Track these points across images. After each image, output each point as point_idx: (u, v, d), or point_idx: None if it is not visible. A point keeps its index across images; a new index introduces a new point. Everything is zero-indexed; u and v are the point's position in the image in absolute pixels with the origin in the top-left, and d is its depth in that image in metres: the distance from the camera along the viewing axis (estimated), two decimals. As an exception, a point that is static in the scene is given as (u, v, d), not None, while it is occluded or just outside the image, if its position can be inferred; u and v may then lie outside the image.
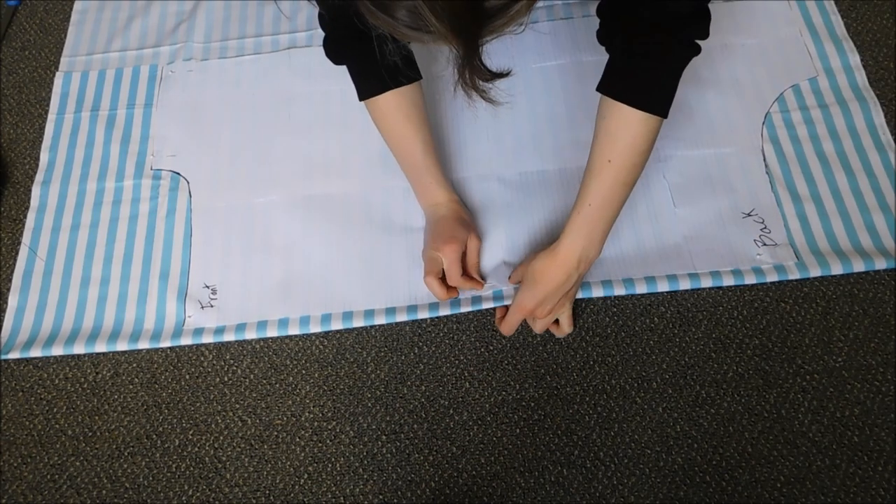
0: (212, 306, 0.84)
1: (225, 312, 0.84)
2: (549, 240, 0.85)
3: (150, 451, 0.78)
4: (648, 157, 0.71)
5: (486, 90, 0.55)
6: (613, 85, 0.68)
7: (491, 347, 0.81)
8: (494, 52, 0.98)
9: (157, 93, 1.00)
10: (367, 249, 0.86)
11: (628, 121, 0.67)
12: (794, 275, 0.81)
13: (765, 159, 0.88)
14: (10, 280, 0.88)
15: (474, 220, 0.86)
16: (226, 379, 0.82)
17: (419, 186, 0.84)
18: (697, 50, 0.67)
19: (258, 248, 0.88)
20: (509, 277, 0.83)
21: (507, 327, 0.78)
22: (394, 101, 0.78)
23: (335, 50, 0.76)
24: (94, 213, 0.91)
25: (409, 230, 0.87)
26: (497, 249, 0.85)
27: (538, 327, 0.78)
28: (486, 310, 0.82)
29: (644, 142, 0.69)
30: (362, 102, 0.79)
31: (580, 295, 0.82)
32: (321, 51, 0.99)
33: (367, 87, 0.78)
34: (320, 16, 0.73)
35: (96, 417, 0.80)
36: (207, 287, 0.86)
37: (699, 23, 0.66)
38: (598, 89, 0.70)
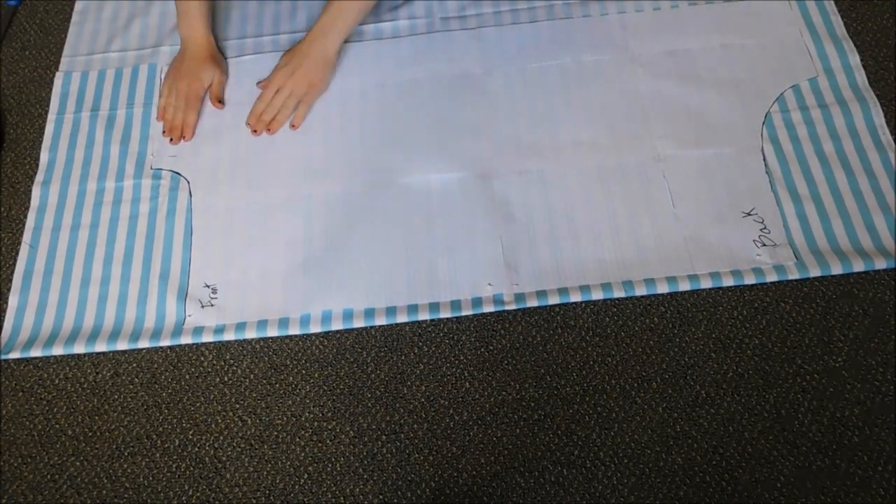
0: (212, 305, 0.84)
1: (225, 312, 0.84)
2: (549, 239, 0.85)
3: (150, 451, 0.79)
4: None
5: None
6: None
7: (491, 347, 0.81)
8: (494, 52, 0.99)
9: (157, 91, 0.99)
10: (368, 249, 0.86)
11: None
12: (794, 275, 0.81)
13: (765, 159, 0.89)
14: (10, 280, 0.88)
15: (224, 62, 1.00)
16: (226, 379, 0.82)
17: (183, 16, 0.95)
18: None
19: (258, 248, 0.88)
20: (261, 81, 0.97)
21: (265, 97, 0.95)
22: None
23: None
24: (95, 213, 0.91)
25: (410, 230, 0.87)
26: (497, 249, 0.85)
27: (279, 101, 0.94)
28: (487, 311, 0.82)
29: None
30: None
31: (579, 298, 0.82)
32: (321, 50, 1.01)
33: None
34: None
35: (96, 417, 0.80)
36: (208, 286, 0.86)
37: None
38: None
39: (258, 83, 0.97)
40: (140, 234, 0.89)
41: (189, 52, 0.96)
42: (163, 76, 1.01)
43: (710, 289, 0.82)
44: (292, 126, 0.94)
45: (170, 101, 0.96)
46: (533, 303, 0.82)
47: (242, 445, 0.78)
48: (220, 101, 0.97)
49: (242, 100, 0.98)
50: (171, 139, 0.94)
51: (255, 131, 0.94)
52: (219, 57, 0.98)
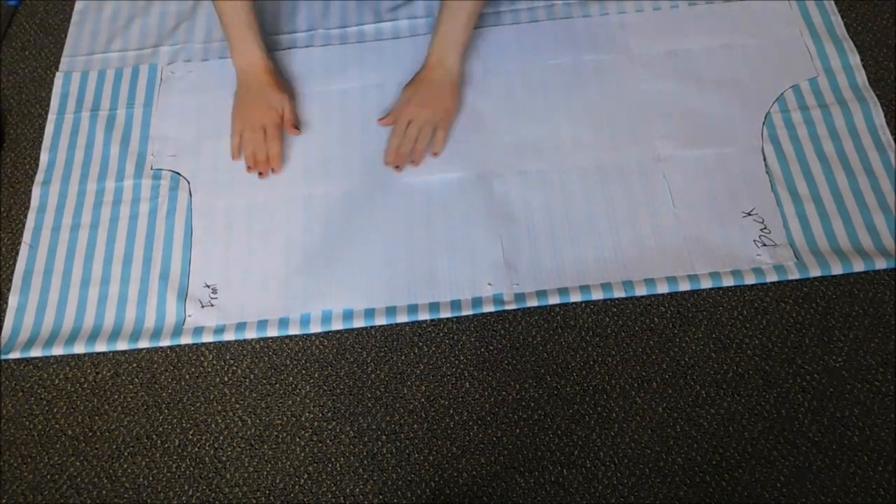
0: (212, 305, 0.84)
1: (225, 312, 0.84)
2: (549, 239, 0.85)
3: (150, 451, 0.78)
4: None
5: None
6: None
7: (491, 347, 0.81)
8: (494, 52, 0.99)
9: (157, 93, 1.00)
10: (368, 249, 0.86)
11: None
12: (794, 275, 0.81)
13: (765, 159, 0.89)
14: (10, 280, 0.88)
15: (289, 83, 0.95)
16: (226, 379, 0.82)
17: (238, 41, 0.90)
18: None
19: (258, 248, 0.88)
20: (384, 118, 0.92)
21: (398, 130, 0.89)
22: None
23: None
24: (95, 213, 0.91)
25: (410, 230, 0.87)
26: (497, 249, 0.85)
27: (414, 131, 0.88)
28: (487, 311, 0.82)
29: None
30: None
31: (579, 298, 0.82)
32: (321, 51, 1.01)
33: None
34: None
35: (96, 417, 0.80)
36: (208, 286, 0.86)
37: None
38: None
39: (380, 120, 0.92)
40: (140, 234, 0.89)
41: (253, 82, 0.91)
42: (164, 77, 1.01)
43: (710, 289, 0.82)
44: (433, 154, 0.90)
45: (246, 136, 0.90)
46: (533, 303, 0.82)
47: (242, 445, 0.78)
48: (297, 128, 0.92)
49: (242, 100, 0.98)
50: (260, 173, 0.90)
51: (398, 167, 0.89)
52: (284, 80, 0.94)
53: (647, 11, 1.00)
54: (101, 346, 0.82)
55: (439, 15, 0.88)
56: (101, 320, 0.84)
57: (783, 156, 0.89)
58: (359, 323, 0.82)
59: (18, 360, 0.84)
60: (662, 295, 0.82)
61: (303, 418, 0.79)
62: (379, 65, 0.99)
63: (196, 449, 0.78)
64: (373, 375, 0.81)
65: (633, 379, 0.79)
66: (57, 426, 0.80)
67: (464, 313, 0.82)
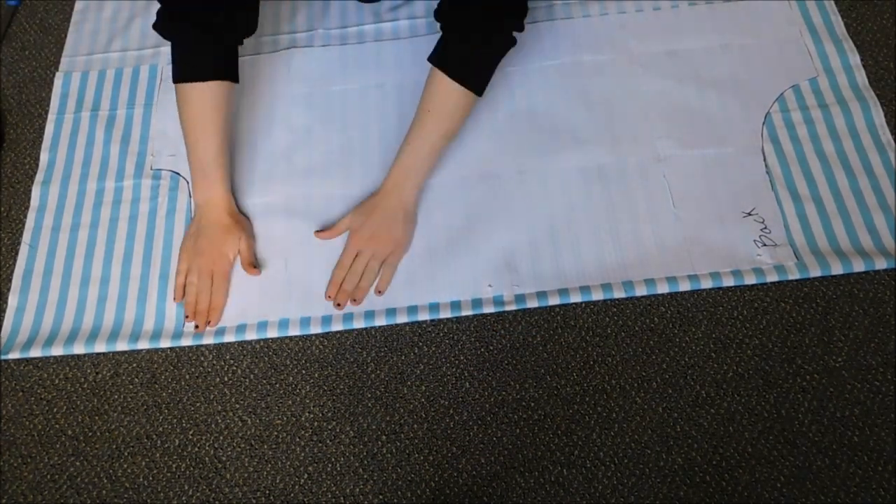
0: (212, 306, 0.84)
1: (225, 313, 0.84)
2: (549, 240, 0.85)
3: (150, 451, 0.78)
4: (461, 125, 0.84)
5: None
6: (442, 58, 0.80)
7: (491, 348, 0.81)
8: (494, 52, 0.98)
9: (157, 93, 1.00)
10: (367, 249, 0.86)
11: (449, 91, 0.80)
12: (794, 275, 0.81)
13: (765, 159, 0.88)
14: (10, 280, 0.88)
15: (248, 223, 0.88)
16: (226, 379, 0.82)
17: (200, 179, 0.84)
18: (514, 42, 0.79)
19: (258, 248, 0.88)
20: (321, 231, 0.86)
21: (343, 263, 0.83)
22: (210, 92, 0.79)
23: (168, 25, 0.77)
24: (94, 213, 0.91)
25: (409, 230, 0.87)
26: (497, 250, 0.85)
27: (361, 266, 0.82)
28: (487, 312, 0.82)
29: (460, 111, 0.82)
30: (174, 83, 0.79)
31: (579, 298, 0.82)
32: (321, 51, 1.01)
33: (191, 70, 0.79)
34: None
35: (96, 417, 0.80)
36: (207, 287, 0.85)
37: (519, 17, 0.78)
38: (429, 60, 0.81)
39: (316, 232, 0.86)
40: (140, 234, 0.89)
41: (208, 221, 0.84)
42: (164, 77, 1.01)
43: (710, 289, 0.82)
44: (378, 292, 0.83)
45: (191, 280, 0.83)
46: (533, 304, 0.82)
47: (242, 445, 0.78)
48: (255, 267, 0.84)
49: (241, 100, 0.98)
50: (197, 326, 0.81)
51: (339, 305, 0.81)
52: (242, 219, 0.86)
53: (647, 11, 1.00)
54: (100, 347, 0.82)
55: (405, 139, 0.83)
56: (100, 320, 0.84)
57: (783, 156, 0.89)
58: (359, 324, 0.82)
59: (18, 360, 0.84)
60: (662, 295, 0.82)
61: (303, 418, 0.79)
62: (379, 65, 0.99)
63: (196, 449, 0.78)
64: (373, 375, 0.81)
65: (633, 379, 0.79)
66: (57, 426, 0.80)
67: (464, 314, 0.82)
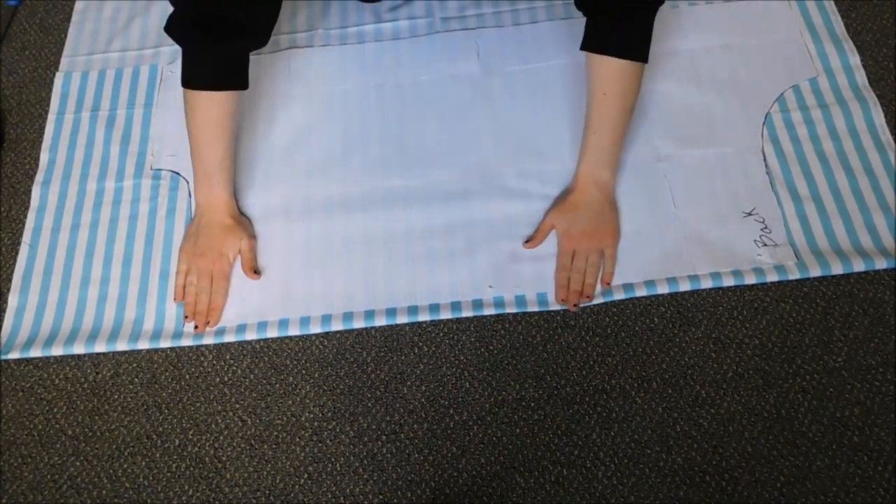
0: (212, 306, 0.84)
1: (225, 313, 0.84)
2: (549, 240, 0.85)
3: (150, 451, 0.78)
4: (638, 96, 0.81)
5: None
6: (596, 42, 0.77)
7: (491, 348, 0.81)
8: (494, 52, 0.99)
9: (158, 93, 1.00)
10: (368, 250, 0.86)
11: (619, 70, 0.77)
12: (795, 275, 0.81)
13: (765, 159, 0.89)
14: (10, 280, 0.88)
15: (249, 224, 0.88)
16: (226, 379, 0.82)
17: (203, 182, 0.84)
18: (662, 1, 0.77)
19: (258, 249, 0.88)
20: (528, 240, 0.84)
21: (564, 265, 0.82)
22: (218, 99, 0.79)
23: (180, 30, 0.76)
24: (94, 213, 0.91)
25: (410, 231, 0.87)
26: (497, 251, 0.85)
27: (582, 263, 0.81)
28: (487, 313, 0.82)
29: (635, 84, 0.79)
30: (183, 88, 0.79)
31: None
32: (321, 51, 1.01)
33: (200, 79, 0.78)
34: None
35: (96, 417, 0.80)
36: (207, 287, 0.85)
37: None
38: (582, 48, 0.78)
39: (524, 244, 0.84)
40: (140, 234, 0.89)
41: (208, 221, 0.84)
42: (164, 77, 1.01)
43: (710, 289, 0.82)
44: (605, 284, 0.82)
45: (190, 280, 0.83)
46: (533, 306, 0.82)
47: (242, 445, 0.78)
48: (256, 272, 0.84)
49: (241, 98, 0.97)
50: (196, 326, 0.81)
51: (575, 306, 0.80)
52: (243, 220, 0.87)
53: (647, 11, 1.00)
54: (100, 347, 0.82)
55: (587, 129, 0.82)
56: (100, 320, 0.84)
57: (783, 156, 0.89)
58: (359, 324, 0.82)
59: (18, 360, 0.84)
60: (662, 295, 0.82)
61: (303, 418, 0.79)
62: (379, 65, 0.99)
63: (196, 449, 0.78)
64: (373, 375, 0.81)
65: (633, 379, 0.79)
66: (57, 426, 0.80)
67: (464, 315, 0.82)
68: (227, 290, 0.84)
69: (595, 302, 0.82)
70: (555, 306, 0.82)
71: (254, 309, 0.84)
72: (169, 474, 0.77)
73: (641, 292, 0.82)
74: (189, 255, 0.84)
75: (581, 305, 0.81)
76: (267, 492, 0.76)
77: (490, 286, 0.83)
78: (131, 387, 0.82)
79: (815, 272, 0.81)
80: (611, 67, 0.77)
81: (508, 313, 0.82)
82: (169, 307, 0.84)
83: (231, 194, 0.86)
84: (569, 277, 0.82)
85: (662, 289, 0.81)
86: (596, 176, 0.83)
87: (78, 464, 0.78)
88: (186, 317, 0.82)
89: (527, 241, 0.84)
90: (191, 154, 0.84)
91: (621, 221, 0.85)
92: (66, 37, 1.06)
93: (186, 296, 0.83)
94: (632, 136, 0.91)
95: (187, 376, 0.82)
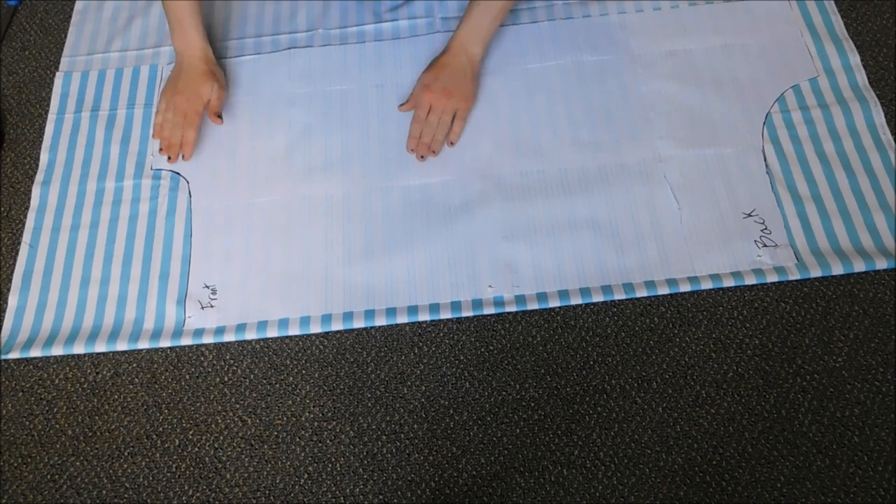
0: (212, 306, 0.84)
1: (225, 313, 0.84)
2: (549, 240, 0.85)
3: (150, 451, 0.78)
4: None
5: None
6: None
7: (491, 348, 0.81)
8: (494, 52, 0.99)
9: (158, 93, 1.00)
10: (368, 250, 0.86)
11: None
12: (795, 276, 0.81)
13: (765, 159, 0.88)
14: (10, 280, 0.88)
15: (222, 76, 0.94)
16: (226, 379, 0.82)
17: (177, 28, 0.91)
18: None
19: (258, 249, 0.88)
20: (403, 104, 0.94)
21: (411, 110, 0.92)
22: None
23: None
24: (94, 213, 0.91)
25: (410, 231, 0.87)
26: (497, 251, 0.85)
27: (435, 119, 0.90)
28: (487, 313, 0.82)
29: None
30: None
31: (580, 300, 0.82)
32: (321, 51, 1.01)
33: None
34: None
35: (96, 417, 0.80)
36: (207, 287, 0.86)
37: None
38: None
39: (399, 106, 0.94)
40: (140, 235, 0.89)
41: (186, 67, 0.92)
42: (164, 77, 1.01)
43: (710, 289, 0.82)
44: (449, 143, 0.91)
45: (167, 117, 0.92)
46: (533, 305, 0.82)
47: (242, 445, 0.78)
48: (219, 117, 0.92)
49: (241, 100, 0.98)
50: (169, 157, 0.91)
51: (421, 157, 0.90)
52: (217, 70, 0.93)
53: (647, 11, 1.00)
54: (100, 347, 0.82)
55: (469, 7, 0.89)
56: (100, 320, 0.84)
57: (784, 156, 0.89)
58: (359, 324, 0.82)
59: (18, 360, 0.84)
60: (663, 295, 0.82)
61: (303, 418, 0.79)
62: (379, 65, 0.99)
63: (196, 449, 0.78)
64: (373, 375, 0.81)
65: (633, 379, 0.79)
66: (57, 426, 0.80)
67: (464, 314, 0.82)
68: (199, 127, 0.92)
69: (595, 301, 0.82)
70: (554, 301, 0.82)
71: (254, 309, 0.84)
72: (169, 474, 0.77)
73: (642, 293, 0.82)
74: (168, 95, 0.92)
75: (427, 159, 0.90)
76: (267, 492, 0.76)
77: (490, 286, 0.83)
78: (131, 387, 0.82)
79: (816, 273, 0.81)
80: None
81: (508, 313, 0.82)
82: (169, 307, 0.84)
83: (204, 41, 0.92)
84: (421, 131, 0.90)
85: (662, 290, 0.81)
86: (468, 46, 0.90)
87: (78, 464, 0.78)
88: (160, 150, 0.92)
89: (401, 105, 0.94)
90: (165, 8, 0.90)
91: (620, 222, 0.86)
92: (66, 37, 1.06)
93: (163, 130, 0.92)
94: (632, 136, 0.91)
95: (187, 376, 0.82)
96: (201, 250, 0.88)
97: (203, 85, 0.91)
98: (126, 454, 0.78)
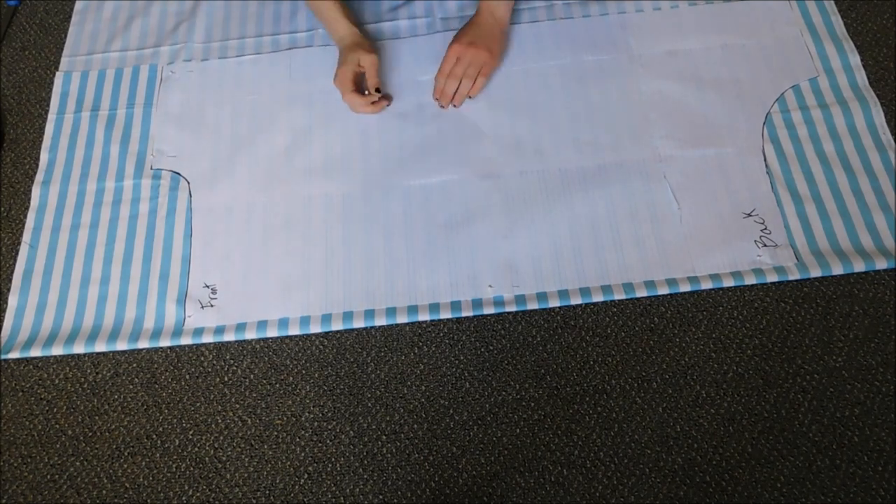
0: (212, 306, 0.84)
1: (225, 312, 0.84)
2: (549, 240, 0.85)
3: (150, 451, 0.78)
4: None
5: None
6: None
7: (491, 348, 0.81)
8: (494, 52, 0.98)
9: (157, 93, 1.00)
10: (368, 250, 0.87)
11: None
12: (795, 276, 0.81)
13: (765, 159, 0.88)
14: (10, 280, 0.88)
15: (374, 46, 0.95)
16: (226, 379, 0.82)
17: (328, 23, 0.95)
18: None
19: (258, 248, 0.88)
20: (439, 72, 0.94)
21: (444, 69, 0.93)
22: None
23: None
24: (94, 213, 0.91)
25: (410, 231, 0.87)
26: (497, 251, 0.85)
27: (460, 71, 0.91)
28: (487, 312, 0.82)
29: None
30: None
31: (579, 300, 0.82)
32: (321, 51, 1.01)
33: None
34: None
35: (96, 417, 0.80)
36: (207, 287, 0.86)
37: None
38: None
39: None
40: (140, 234, 0.89)
41: (344, 51, 0.94)
42: (164, 77, 1.01)
43: (710, 289, 0.82)
44: (469, 96, 0.94)
45: (347, 98, 0.93)
46: (533, 305, 0.82)
47: (242, 445, 0.78)
48: (378, 90, 0.93)
49: (241, 100, 0.98)
50: (382, 97, 0.94)
51: (443, 106, 0.94)
52: (372, 47, 0.94)
53: (647, 11, 1.00)
54: (100, 347, 0.82)
55: None
56: (100, 320, 0.84)
57: (783, 156, 0.89)
58: (359, 323, 0.82)
59: (18, 360, 0.84)
60: (663, 295, 0.82)
61: (303, 418, 0.79)
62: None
63: (196, 449, 0.78)
64: (373, 375, 0.81)
65: (633, 379, 0.79)
66: (57, 426, 0.80)
67: (464, 314, 0.82)
68: (355, 90, 0.92)
69: (595, 301, 0.82)
70: (554, 301, 0.82)
71: (254, 308, 0.84)
72: (169, 474, 0.77)
73: (642, 293, 0.82)
74: (338, 80, 0.93)
75: (448, 108, 0.94)
76: (267, 492, 0.76)
77: (490, 286, 0.83)
78: (131, 387, 0.82)
79: (816, 273, 0.81)
80: None
81: (508, 313, 0.83)
82: (168, 306, 0.84)
83: (353, 26, 0.94)
84: (445, 82, 0.92)
85: (662, 290, 0.81)
86: (495, 9, 0.93)
87: (78, 464, 0.78)
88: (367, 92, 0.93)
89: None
90: (315, 11, 0.96)
91: (620, 222, 0.86)
92: (66, 37, 1.06)
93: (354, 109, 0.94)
94: (632, 136, 0.91)
95: (187, 376, 0.82)
96: (201, 250, 0.88)
97: (361, 57, 0.91)
98: (126, 454, 0.78)
